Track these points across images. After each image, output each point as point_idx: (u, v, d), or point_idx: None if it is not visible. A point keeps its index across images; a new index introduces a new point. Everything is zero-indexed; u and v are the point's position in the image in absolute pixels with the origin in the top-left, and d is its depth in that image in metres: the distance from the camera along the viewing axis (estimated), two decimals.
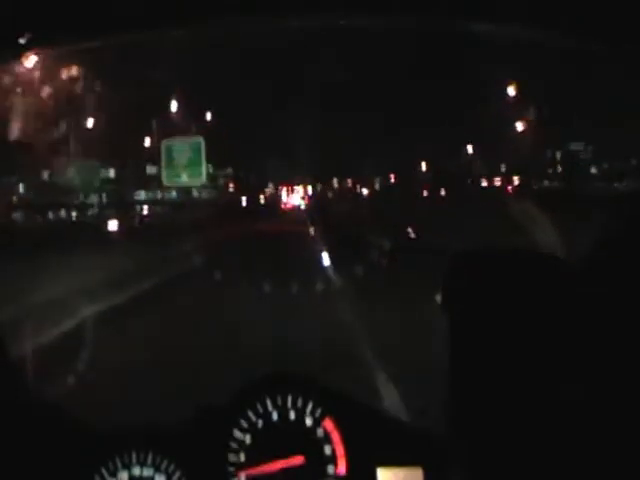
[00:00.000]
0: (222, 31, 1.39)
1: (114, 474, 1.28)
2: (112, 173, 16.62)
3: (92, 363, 4.11)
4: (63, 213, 14.98)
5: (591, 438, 1.06)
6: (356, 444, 1.26)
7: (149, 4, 1.11)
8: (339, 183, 21.03)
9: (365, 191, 20.17)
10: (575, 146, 15.12)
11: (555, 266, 1.21)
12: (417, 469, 1.24)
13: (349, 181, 20.69)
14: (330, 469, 1.25)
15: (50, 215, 14.71)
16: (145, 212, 16.87)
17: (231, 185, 20.42)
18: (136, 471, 1.28)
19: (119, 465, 1.28)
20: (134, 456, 1.29)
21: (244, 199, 20.68)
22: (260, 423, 1.28)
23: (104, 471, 1.28)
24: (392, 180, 19.99)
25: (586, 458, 1.06)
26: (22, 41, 1.13)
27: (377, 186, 20.23)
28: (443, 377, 1.17)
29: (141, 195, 16.91)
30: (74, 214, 15.21)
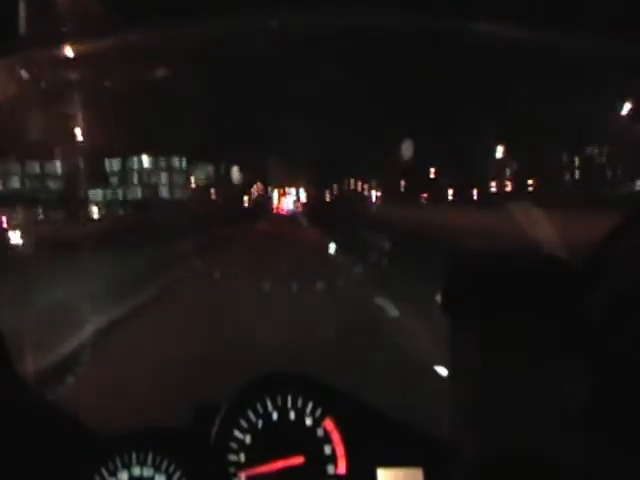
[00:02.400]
0: (221, 29, 1.39)
1: (114, 474, 1.28)
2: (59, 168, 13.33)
3: (92, 364, 4.11)
4: None
5: (591, 437, 1.06)
6: (356, 444, 1.25)
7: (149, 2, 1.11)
8: (338, 185, 20.87)
9: (367, 193, 20.06)
10: (590, 150, 15.08)
11: (555, 267, 1.21)
12: (417, 469, 1.24)
13: (350, 183, 20.59)
14: (330, 469, 1.25)
15: None
16: (95, 215, 13.00)
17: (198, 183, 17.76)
18: (136, 471, 1.28)
19: (119, 465, 1.28)
20: (134, 456, 1.29)
21: (222, 201, 18.46)
22: (260, 423, 1.27)
23: (104, 471, 1.28)
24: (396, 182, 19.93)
25: (586, 457, 1.05)
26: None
27: (377, 187, 20.15)
28: (443, 377, 1.17)
29: (97, 194, 13.54)
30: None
